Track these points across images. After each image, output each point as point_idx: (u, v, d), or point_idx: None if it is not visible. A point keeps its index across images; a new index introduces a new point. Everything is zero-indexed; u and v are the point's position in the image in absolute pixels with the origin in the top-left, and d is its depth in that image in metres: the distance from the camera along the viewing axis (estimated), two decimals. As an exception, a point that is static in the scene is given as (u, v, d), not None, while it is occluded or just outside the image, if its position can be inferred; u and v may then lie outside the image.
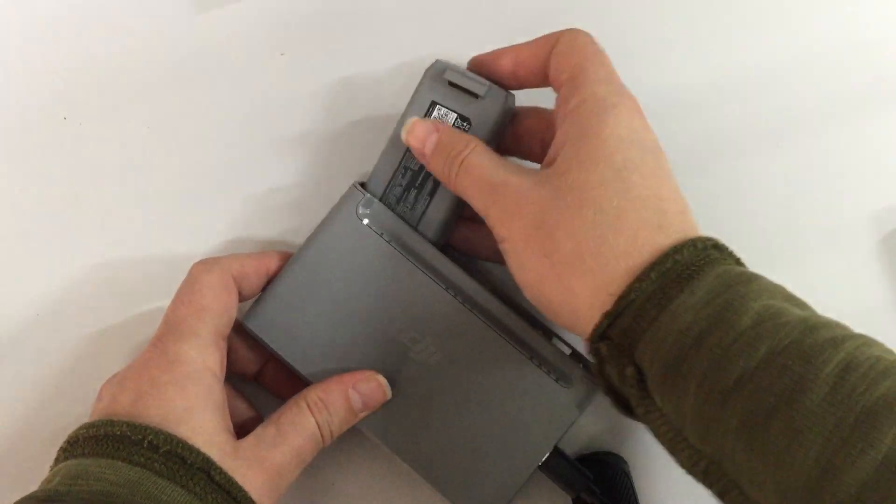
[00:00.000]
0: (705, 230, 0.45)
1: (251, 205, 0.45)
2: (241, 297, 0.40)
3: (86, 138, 0.46)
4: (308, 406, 0.38)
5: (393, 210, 0.41)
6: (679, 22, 0.47)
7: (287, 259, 0.41)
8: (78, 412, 0.43)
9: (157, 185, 0.46)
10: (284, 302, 0.40)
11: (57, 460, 0.36)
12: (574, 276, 0.34)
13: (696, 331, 0.31)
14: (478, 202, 0.37)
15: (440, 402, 0.39)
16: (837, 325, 0.32)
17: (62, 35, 0.47)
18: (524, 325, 0.40)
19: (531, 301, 0.36)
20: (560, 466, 0.40)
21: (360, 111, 0.46)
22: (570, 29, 0.39)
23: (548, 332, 0.41)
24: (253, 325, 0.40)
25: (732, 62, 0.47)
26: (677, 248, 0.33)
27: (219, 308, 0.38)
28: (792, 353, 0.30)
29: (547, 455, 0.39)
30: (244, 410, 0.41)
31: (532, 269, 0.35)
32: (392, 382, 0.40)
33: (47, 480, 0.34)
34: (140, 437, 0.34)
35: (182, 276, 0.44)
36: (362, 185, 0.41)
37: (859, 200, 0.46)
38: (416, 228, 0.41)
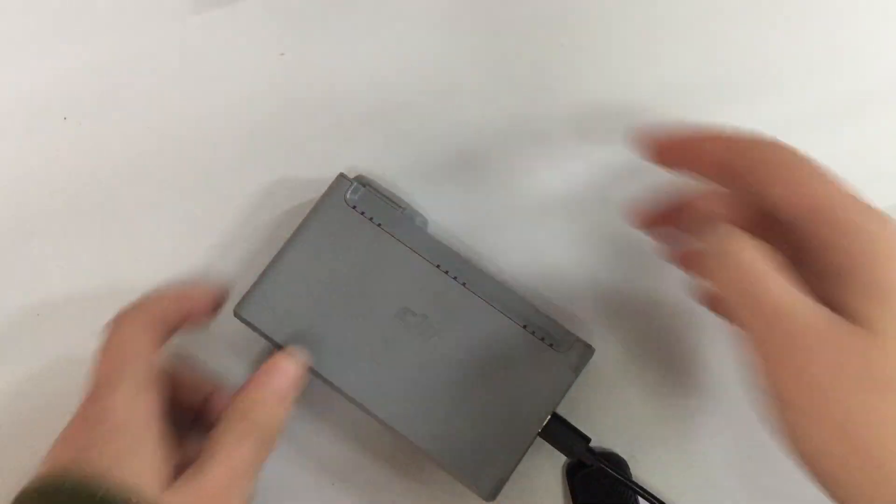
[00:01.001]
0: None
1: (250, 201, 0.45)
2: (167, 337, 0.40)
3: (86, 138, 0.46)
4: (231, 417, 0.38)
5: (379, 196, 0.42)
6: (679, 21, 0.47)
7: (210, 291, 0.41)
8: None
9: (156, 185, 0.46)
10: (276, 289, 0.41)
11: None
12: None
13: None
14: (750, 325, 0.32)
15: (439, 377, 0.40)
16: None
17: (62, 35, 0.47)
18: (515, 294, 0.41)
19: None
20: (560, 431, 0.41)
21: (360, 111, 0.46)
22: (768, 143, 0.34)
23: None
24: (245, 314, 0.41)
25: (733, 62, 0.47)
26: None
27: (144, 354, 0.38)
28: None
29: (547, 421, 0.40)
30: (185, 449, 0.40)
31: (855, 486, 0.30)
32: (390, 360, 0.40)
33: None
34: (76, 488, 0.34)
35: (183, 273, 0.44)
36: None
37: (859, 200, 0.46)
38: (402, 212, 0.42)
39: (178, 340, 0.44)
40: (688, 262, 0.40)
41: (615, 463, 0.42)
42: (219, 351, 0.44)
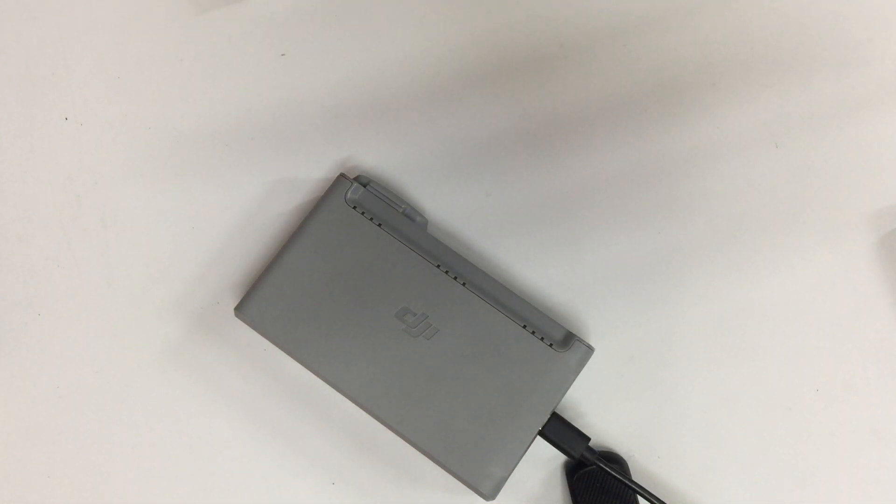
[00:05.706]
0: (705, 230, 0.45)
1: (250, 201, 0.45)
2: None
3: (86, 138, 0.46)
4: None
5: (379, 196, 0.42)
6: (679, 19, 0.48)
7: None
8: (77, 411, 0.43)
9: (157, 185, 0.46)
10: (277, 289, 0.41)
11: None
12: None
13: None
14: None
15: (439, 376, 0.40)
16: None
17: (62, 35, 0.47)
18: (514, 295, 0.41)
19: None
20: (559, 431, 0.41)
21: (360, 111, 0.46)
22: None
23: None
24: (246, 313, 0.41)
25: (731, 61, 0.47)
26: None
27: None
28: None
29: (546, 420, 0.40)
30: None
31: None
32: (390, 360, 0.40)
33: None
34: None
35: (182, 275, 0.44)
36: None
37: (858, 200, 0.46)
38: (402, 212, 0.42)
39: (178, 341, 0.44)
40: None
41: (615, 463, 0.42)
42: (219, 350, 0.44)
